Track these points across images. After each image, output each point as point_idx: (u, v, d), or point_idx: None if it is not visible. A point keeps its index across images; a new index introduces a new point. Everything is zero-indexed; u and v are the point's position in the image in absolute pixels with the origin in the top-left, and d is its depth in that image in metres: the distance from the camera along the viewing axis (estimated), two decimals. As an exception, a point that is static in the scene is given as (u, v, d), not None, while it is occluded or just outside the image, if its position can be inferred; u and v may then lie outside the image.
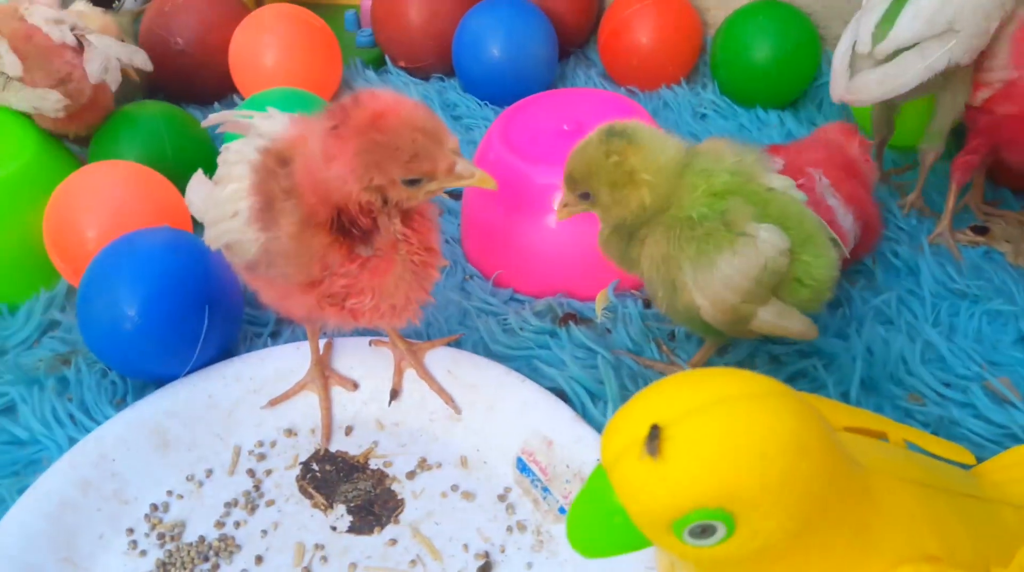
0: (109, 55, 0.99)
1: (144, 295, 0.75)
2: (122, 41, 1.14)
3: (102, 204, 0.87)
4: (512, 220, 0.90)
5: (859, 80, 0.83)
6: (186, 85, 1.21)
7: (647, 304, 0.88)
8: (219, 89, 1.23)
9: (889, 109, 0.96)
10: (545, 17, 1.19)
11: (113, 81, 1.00)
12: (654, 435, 0.40)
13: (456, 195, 1.07)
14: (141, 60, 1.04)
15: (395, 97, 0.55)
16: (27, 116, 0.96)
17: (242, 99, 1.21)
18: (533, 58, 1.17)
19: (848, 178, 0.84)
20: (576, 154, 0.69)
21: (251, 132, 0.66)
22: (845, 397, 0.77)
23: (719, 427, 0.39)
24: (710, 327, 0.69)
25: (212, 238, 0.67)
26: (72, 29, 0.98)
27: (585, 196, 0.69)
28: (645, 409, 0.42)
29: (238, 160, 0.64)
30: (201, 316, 0.77)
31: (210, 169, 1.02)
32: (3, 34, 0.96)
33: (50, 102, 0.94)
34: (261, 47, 1.13)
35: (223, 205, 0.64)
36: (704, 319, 0.68)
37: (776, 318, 0.67)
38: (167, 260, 0.77)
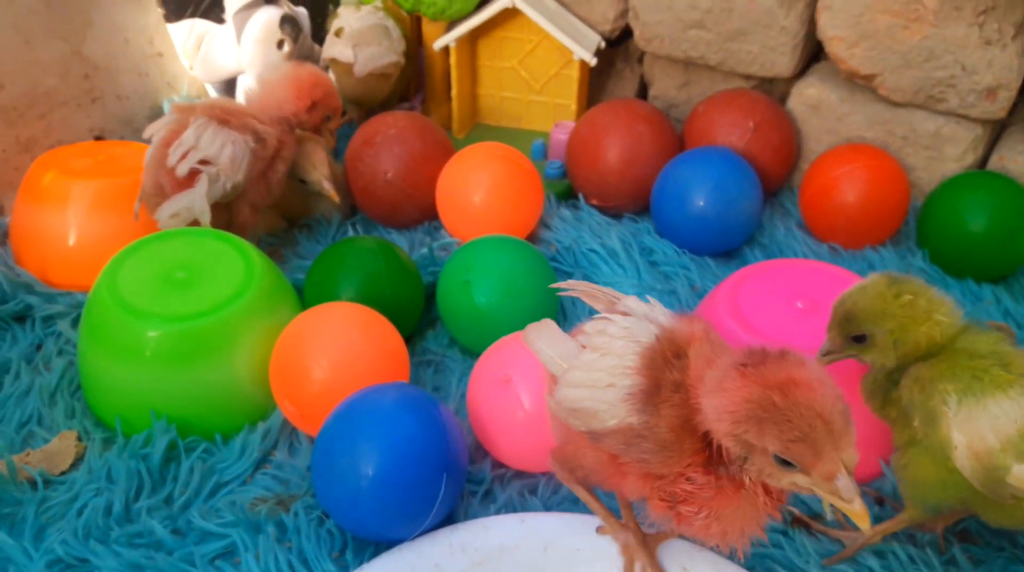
0: (188, 207, 1.04)
1: (383, 455, 0.75)
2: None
3: (329, 347, 0.87)
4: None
5: None
6: (389, 212, 1.24)
7: (880, 502, 0.83)
8: (421, 217, 1.25)
9: None
10: (754, 172, 1.17)
11: (170, 227, 1.05)
12: None
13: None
14: (206, 221, 1.05)
15: (820, 376, 0.52)
16: (253, 248, 0.99)
17: (442, 227, 1.23)
18: (739, 212, 1.15)
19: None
20: (855, 295, 0.72)
21: (617, 308, 0.67)
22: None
23: None
24: (952, 487, 0.68)
25: (564, 397, 0.66)
26: (202, 162, 1.03)
27: (860, 339, 0.71)
28: None
29: (623, 336, 0.63)
30: (436, 481, 0.76)
31: (410, 299, 1.04)
32: (166, 123, 1.06)
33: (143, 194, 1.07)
34: (470, 185, 1.14)
35: (595, 373, 0.64)
36: (954, 465, 0.66)
37: None
38: (407, 421, 0.77)
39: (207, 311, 0.90)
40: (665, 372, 0.59)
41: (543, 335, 0.73)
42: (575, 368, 0.67)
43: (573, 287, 0.72)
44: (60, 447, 0.91)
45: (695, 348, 0.59)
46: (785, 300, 0.90)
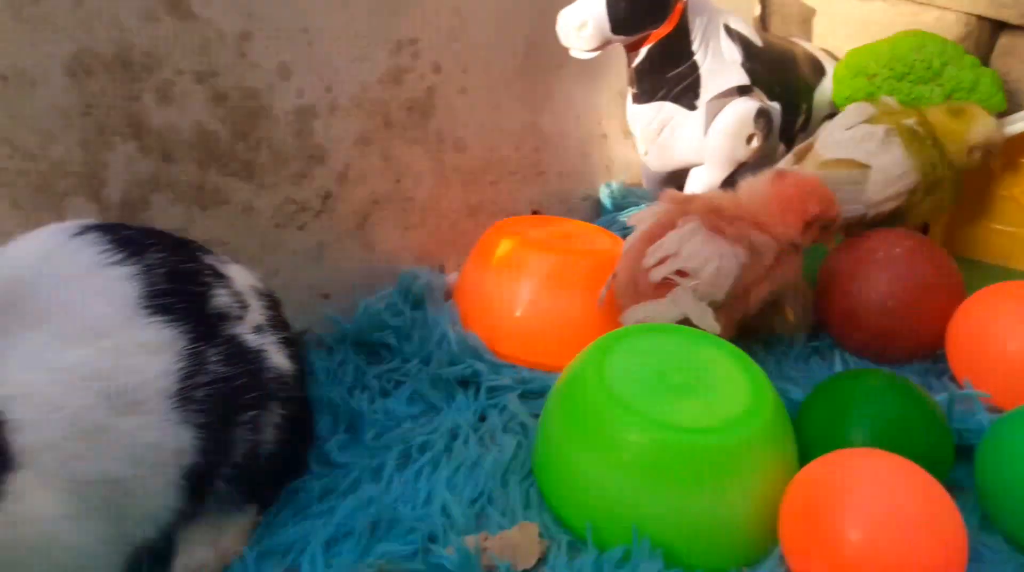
0: (652, 319, 0.91)
1: None
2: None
3: (880, 511, 0.68)
4: None
5: None
6: (873, 343, 1.04)
7: None
8: (909, 356, 1.05)
9: None
10: None
11: None
12: None
13: None
14: (708, 325, 0.89)
15: None
16: (754, 364, 0.84)
17: (938, 370, 1.02)
18: None
19: None
20: None
21: None
22: None
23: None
24: None
25: None
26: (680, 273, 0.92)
27: None
28: None
29: None
30: None
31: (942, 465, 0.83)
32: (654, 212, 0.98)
33: None
34: (996, 328, 0.93)
35: None
36: None
37: None
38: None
39: (716, 428, 0.76)
40: None
41: None
42: None
43: None
44: (522, 540, 0.79)
45: None
46: None
